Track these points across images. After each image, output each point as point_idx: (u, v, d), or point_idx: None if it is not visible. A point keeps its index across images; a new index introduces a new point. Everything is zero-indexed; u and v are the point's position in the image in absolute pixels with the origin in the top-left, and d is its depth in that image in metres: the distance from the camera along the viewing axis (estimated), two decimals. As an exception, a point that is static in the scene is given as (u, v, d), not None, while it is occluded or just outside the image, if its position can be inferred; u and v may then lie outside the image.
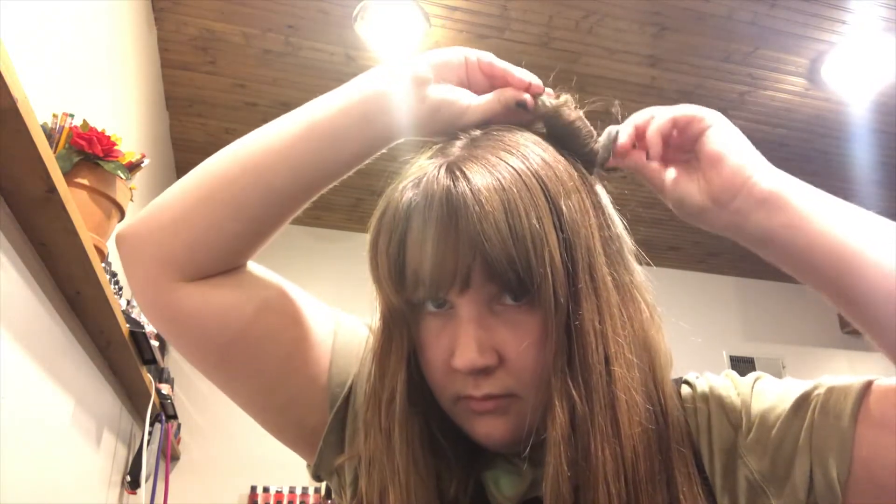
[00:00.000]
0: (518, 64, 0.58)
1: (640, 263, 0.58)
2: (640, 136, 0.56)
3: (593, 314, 0.50)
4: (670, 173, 0.55)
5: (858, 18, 2.41)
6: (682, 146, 0.55)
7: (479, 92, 0.58)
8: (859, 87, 2.73)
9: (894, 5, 2.34)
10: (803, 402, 0.52)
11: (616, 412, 0.48)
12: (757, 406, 0.54)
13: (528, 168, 0.51)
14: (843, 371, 4.17)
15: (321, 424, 0.60)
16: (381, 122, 0.56)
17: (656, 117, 0.55)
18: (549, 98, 0.57)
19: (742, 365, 4.16)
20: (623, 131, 0.56)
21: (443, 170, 0.51)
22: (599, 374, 0.49)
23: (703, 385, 0.57)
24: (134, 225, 0.57)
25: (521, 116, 0.57)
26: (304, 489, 3.20)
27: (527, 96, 0.57)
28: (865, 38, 2.49)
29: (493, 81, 0.58)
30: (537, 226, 0.48)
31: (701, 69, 2.69)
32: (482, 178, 0.49)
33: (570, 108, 0.57)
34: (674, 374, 0.58)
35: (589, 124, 0.58)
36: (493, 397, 0.51)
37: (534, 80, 0.58)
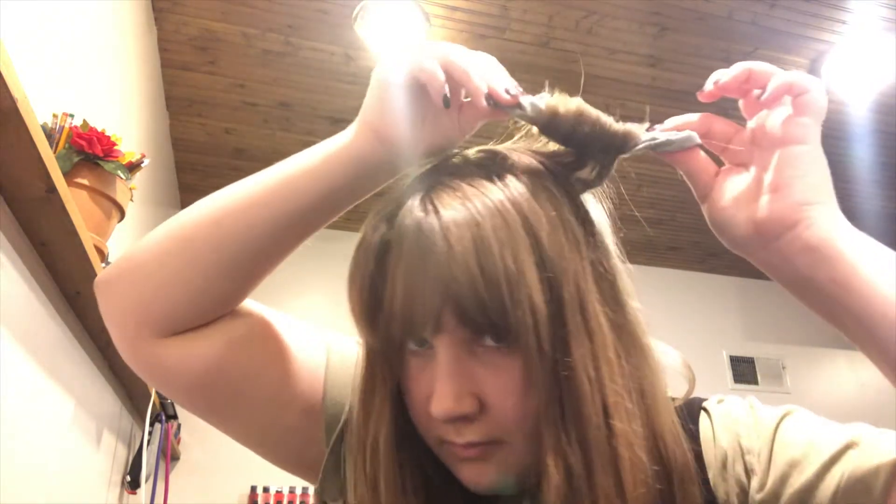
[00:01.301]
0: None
1: (624, 261, 0.53)
2: (744, 81, 0.49)
3: (587, 360, 0.45)
4: (722, 185, 0.49)
5: (858, 18, 2.41)
6: (762, 142, 0.49)
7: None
8: (859, 87, 2.72)
9: (894, 5, 2.34)
10: (831, 464, 0.46)
11: (619, 472, 0.44)
12: (777, 455, 0.48)
13: (507, 198, 0.46)
14: (843, 373, 4.17)
15: (320, 455, 0.58)
16: (368, 185, 0.53)
17: (784, 74, 0.49)
18: (534, 101, 0.49)
19: (742, 365, 4.15)
20: (732, 69, 0.49)
21: (416, 201, 0.47)
22: (598, 427, 0.44)
23: (722, 419, 0.52)
24: (108, 278, 0.54)
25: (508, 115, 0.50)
26: (304, 489, 3.20)
27: (507, 98, 0.49)
28: (865, 38, 2.49)
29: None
30: (512, 265, 0.43)
31: (701, 69, 2.69)
32: (453, 212, 0.45)
33: (566, 106, 0.49)
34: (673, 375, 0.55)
35: (596, 112, 0.50)
36: (475, 445, 0.47)
37: (496, 83, 0.48)
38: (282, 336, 0.58)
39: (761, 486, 0.47)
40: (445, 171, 0.50)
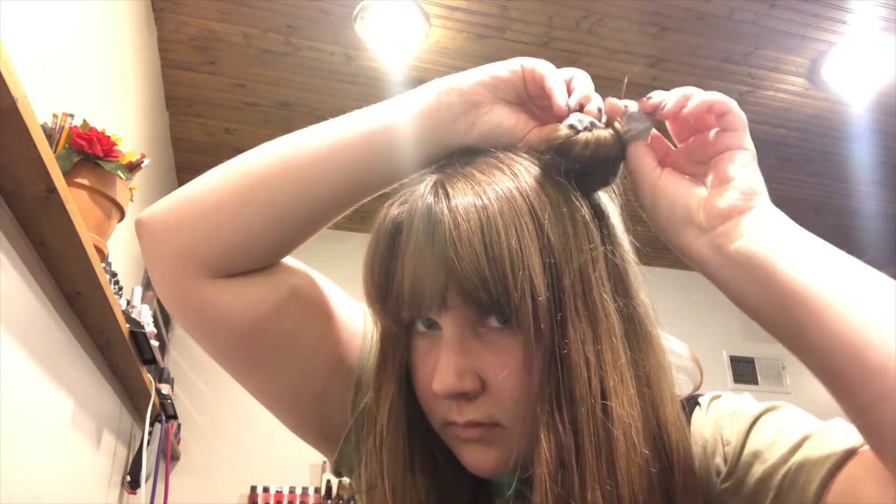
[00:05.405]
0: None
1: (635, 256, 0.55)
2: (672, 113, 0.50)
3: (586, 344, 0.46)
4: (666, 183, 0.50)
5: (858, 18, 2.41)
6: (696, 156, 0.50)
7: (540, 105, 0.54)
8: (859, 87, 2.73)
9: (894, 5, 2.34)
10: (789, 455, 0.46)
11: (612, 451, 0.45)
12: (747, 447, 0.49)
13: (517, 187, 0.48)
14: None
15: (342, 425, 0.59)
16: (431, 143, 0.53)
17: (698, 96, 0.49)
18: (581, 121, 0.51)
19: (742, 365, 4.15)
20: (668, 99, 0.50)
21: (429, 187, 0.49)
22: (591, 408, 0.45)
23: (711, 412, 0.53)
24: (157, 215, 0.54)
25: None
26: (304, 489, 3.20)
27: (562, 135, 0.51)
28: (865, 38, 2.49)
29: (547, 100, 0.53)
30: (516, 246, 0.45)
31: (701, 69, 2.69)
32: (464, 197, 0.47)
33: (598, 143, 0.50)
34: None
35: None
36: (476, 424, 0.48)
37: (574, 100, 0.51)
38: (327, 296, 0.59)
39: (728, 476, 0.48)
40: (460, 160, 0.52)
